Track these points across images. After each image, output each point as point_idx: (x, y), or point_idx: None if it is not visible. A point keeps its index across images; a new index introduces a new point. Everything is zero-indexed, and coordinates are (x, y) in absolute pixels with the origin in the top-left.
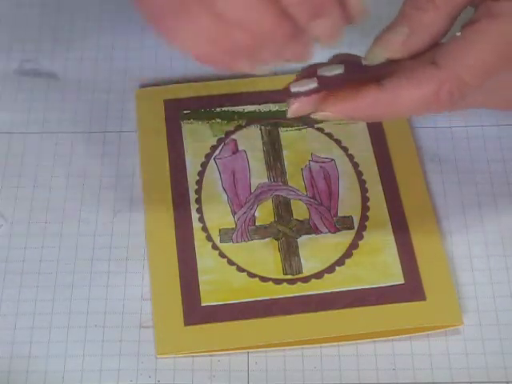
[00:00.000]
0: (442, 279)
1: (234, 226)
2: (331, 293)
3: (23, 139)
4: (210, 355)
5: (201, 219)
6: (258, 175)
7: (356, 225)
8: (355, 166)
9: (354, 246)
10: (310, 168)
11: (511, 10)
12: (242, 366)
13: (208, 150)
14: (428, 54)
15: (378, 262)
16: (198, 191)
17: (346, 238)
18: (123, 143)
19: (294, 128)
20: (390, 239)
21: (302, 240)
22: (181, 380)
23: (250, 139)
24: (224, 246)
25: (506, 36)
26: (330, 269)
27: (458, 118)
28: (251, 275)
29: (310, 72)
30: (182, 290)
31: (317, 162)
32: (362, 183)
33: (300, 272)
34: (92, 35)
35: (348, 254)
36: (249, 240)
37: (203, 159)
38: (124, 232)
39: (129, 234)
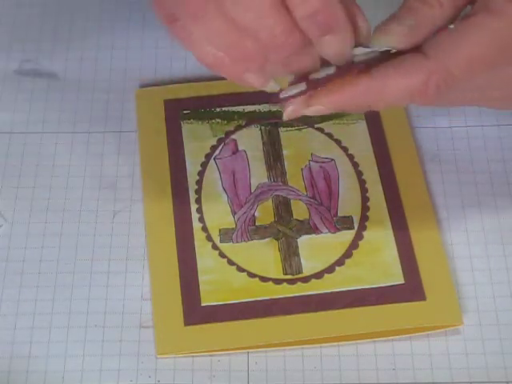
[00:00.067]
0: (442, 279)
1: (233, 226)
2: (331, 293)
3: (23, 139)
4: (210, 355)
5: (201, 219)
6: (258, 175)
7: (356, 225)
8: (355, 165)
9: (353, 246)
10: (310, 168)
11: (508, 7)
12: (242, 366)
13: (208, 150)
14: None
15: (378, 262)
16: (198, 191)
17: (345, 237)
18: (123, 143)
19: (294, 128)
20: (390, 239)
21: (302, 240)
22: (181, 380)
23: (250, 139)
24: (224, 246)
25: (498, 32)
26: (330, 269)
27: (458, 118)
28: (251, 275)
29: (302, 76)
30: (182, 290)
31: (317, 162)
32: (362, 183)
33: (300, 272)
34: (92, 35)
35: (348, 254)
36: (249, 240)
37: (203, 159)
38: (124, 232)
39: (129, 234)
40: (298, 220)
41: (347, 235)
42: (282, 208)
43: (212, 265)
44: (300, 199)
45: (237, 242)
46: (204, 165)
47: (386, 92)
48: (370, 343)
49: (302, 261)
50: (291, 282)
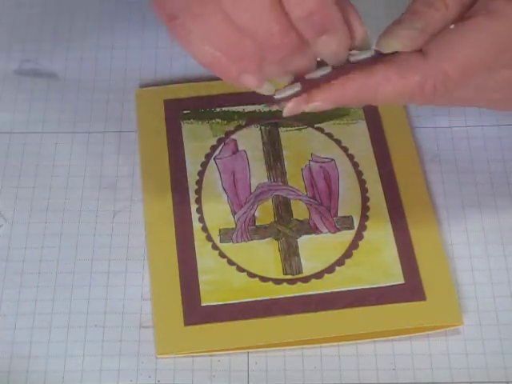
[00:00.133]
0: (442, 279)
1: (234, 226)
2: (331, 293)
3: (23, 139)
4: (210, 355)
5: (201, 219)
6: (258, 175)
7: (356, 225)
8: (355, 165)
9: (354, 246)
10: (310, 168)
11: (507, 9)
12: (242, 366)
13: (208, 150)
14: None
15: (378, 262)
16: (198, 191)
17: (345, 237)
18: (123, 143)
19: (294, 128)
20: (390, 239)
21: (302, 240)
22: (181, 380)
23: (250, 139)
24: (224, 246)
25: (497, 34)
26: (330, 269)
27: (458, 118)
28: (251, 275)
29: (298, 76)
30: (182, 290)
31: (317, 162)
32: (362, 183)
33: (300, 272)
34: (92, 35)
35: (348, 254)
36: (249, 240)
37: (203, 159)
38: (124, 232)
39: (129, 234)
40: (298, 220)
41: (347, 235)
42: (282, 208)
43: (212, 265)
44: (300, 199)
45: (237, 242)
46: (204, 165)
47: (384, 90)
48: (370, 343)
49: (302, 261)
50: (291, 281)
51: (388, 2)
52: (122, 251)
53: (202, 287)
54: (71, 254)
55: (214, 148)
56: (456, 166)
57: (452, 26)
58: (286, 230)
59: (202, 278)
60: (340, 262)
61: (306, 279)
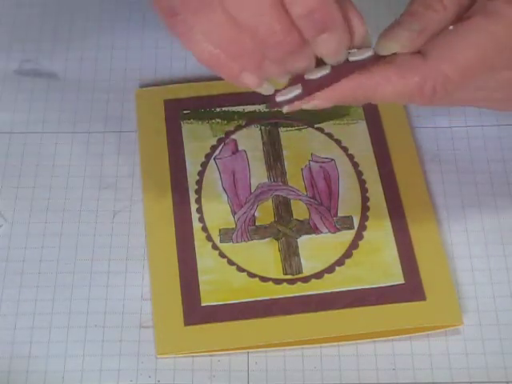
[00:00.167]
0: (442, 279)
1: (234, 226)
2: (331, 293)
3: (23, 139)
4: (210, 355)
5: (201, 219)
6: (258, 175)
7: (356, 225)
8: (355, 165)
9: (353, 246)
10: (310, 168)
11: (506, 10)
12: (242, 366)
13: (208, 150)
14: None
15: (378, 262)
16: (198, 191)
17: (345, 237)
18: (123, 143)
19: (294, 128)
20: (390, 239)
21: (302, 240)
22: (181, 380)
23: (250, 139)
24: (224, 246)
25: (496, 35)
26: (330, 269)
27: (458, 118)
28: (251, 275)
29: (297, 76)
30: (182, 290)
31: (317, 162)
32: (362, 183)
33: (300, 272)
34: (92, 35)
35: (348, 254)
36: (249, 240)
37: (203, 159)
38: (124, 232)
39: (129, 234)
40: (298, 220)
41: (347, 235)
42: (282, 208)
43: (212, 265)
44: (300, 199)
45: (237, 242)
46: (204, 165)
47: (382, 90)
48: (370, 343)
49: (302, 261)
50: (291, 282)
51: (388, 1)
52: (122, 251)
53: (201, 287)
54: (71, 254)
55: (214, 148)
56: (456, 166)
57: (451, 27)
58: (286, 229)
59: (201, 277)
60: (340, 262)
61: (305, 279)
